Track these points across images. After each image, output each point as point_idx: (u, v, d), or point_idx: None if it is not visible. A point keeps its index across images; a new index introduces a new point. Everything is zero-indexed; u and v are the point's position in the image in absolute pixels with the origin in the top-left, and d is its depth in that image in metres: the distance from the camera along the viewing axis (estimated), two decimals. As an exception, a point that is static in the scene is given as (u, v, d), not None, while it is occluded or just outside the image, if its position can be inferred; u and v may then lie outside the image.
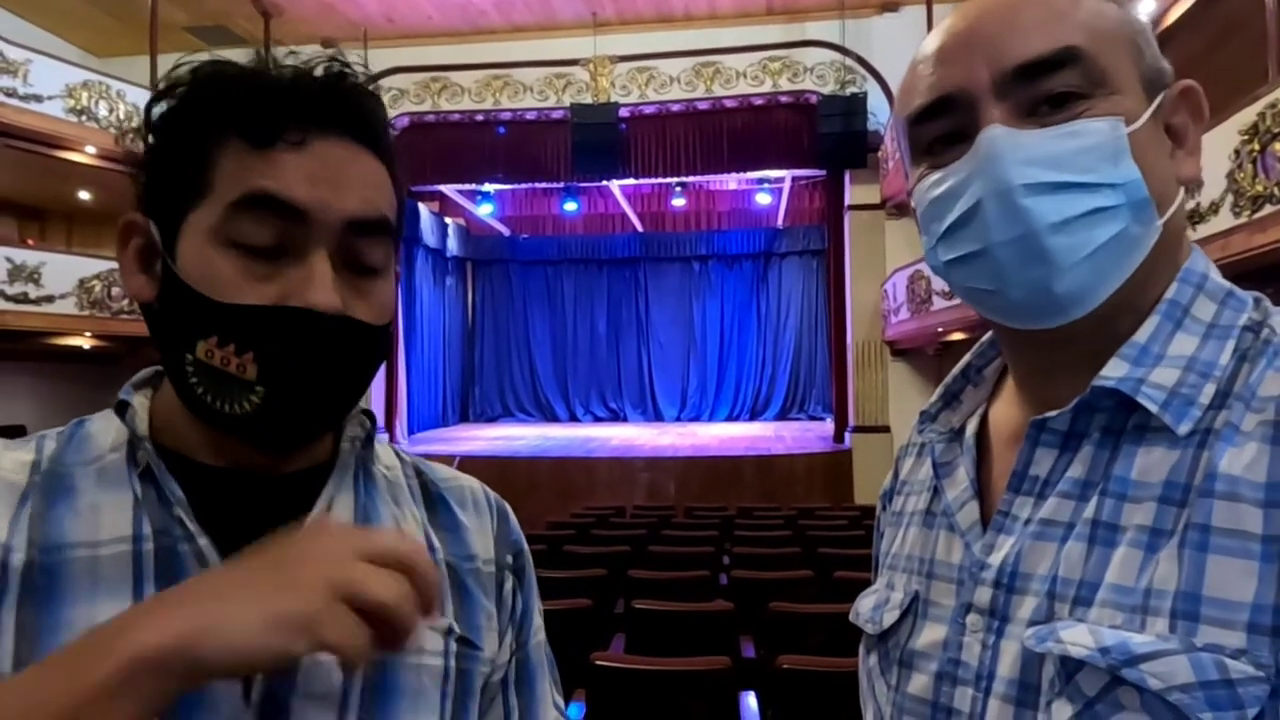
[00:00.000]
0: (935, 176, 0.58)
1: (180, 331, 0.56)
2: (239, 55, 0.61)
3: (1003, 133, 0.53)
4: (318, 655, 0.54)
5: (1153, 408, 0.51)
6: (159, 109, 0.59)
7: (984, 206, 0.54)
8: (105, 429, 0.61)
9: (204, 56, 0.60)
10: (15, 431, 9.86)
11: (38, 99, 8.76)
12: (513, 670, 0.70)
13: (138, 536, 0.56)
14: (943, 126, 0.57)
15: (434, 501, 0.70)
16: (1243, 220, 4.54)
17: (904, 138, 0.62)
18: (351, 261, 0.59)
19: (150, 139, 0.59)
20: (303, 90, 0.58)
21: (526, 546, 0.75)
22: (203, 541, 0.56)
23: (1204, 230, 4.80)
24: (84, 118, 9.19)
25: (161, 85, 0.59)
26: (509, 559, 0.72)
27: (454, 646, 0.63)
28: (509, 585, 0.71)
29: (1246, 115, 4.52)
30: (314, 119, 0.57)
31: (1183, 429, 0.51)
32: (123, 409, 0.60)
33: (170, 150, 0.59)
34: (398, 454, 0.73)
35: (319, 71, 0.59)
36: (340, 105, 0.59)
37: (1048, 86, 0.54)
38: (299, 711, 0.55)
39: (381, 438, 0.71)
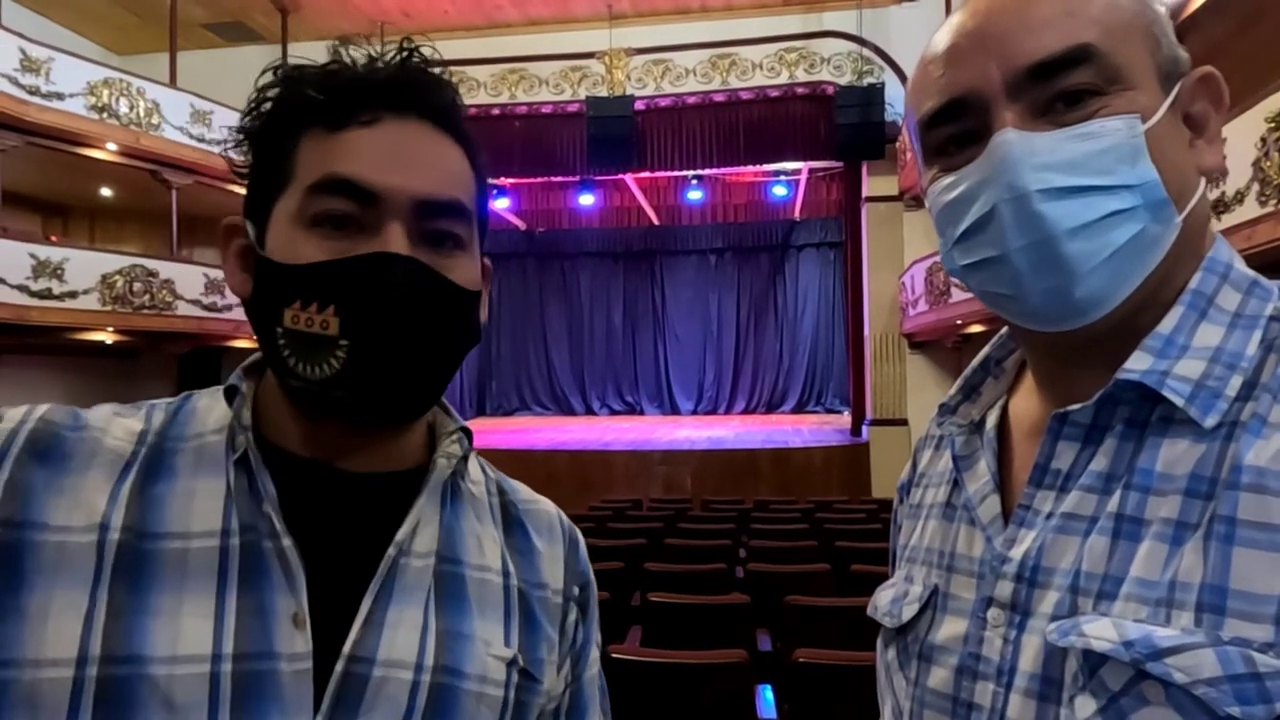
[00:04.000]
0: (949, 180, 0.57)
1: (271, 308, 0.58)
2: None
3: (1016, 137, 0.52)
4: (387, 674, 0.55)
5: (1178, 401, 0.50)
6: (252, 118, 0.62)
7: (999, 212, 0.53)
8: (210, 407, 0.62)
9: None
10: (40, 425, 9.98)
11: (59, 97, 8.87)
12: (565, 701, 0.70)
13: (226, 530, 0.57)
14: (955, 128, 0.56)
15: (512, 523, 0.70)
16: (1269, 209, 4.47)
17: (916, 138, 0.61)
18: (428, 236, 0.60)
19: (249, 147, 0.62)
20: (374, 74, 0.61)
21: (593, 579, 0.75)
22: (286, 542, 0.57)
23: (1229, 220, 4.73)
24: (105, 115, 9.29)
25: (252, 95, 0.62)
26: (575, 590, 0.72)
27: (515, 678, 0.63)
28: (573, 617, 0.71)
29: (1273, 103, 4.45)
30: (385, 101, 0.60)
31: (1209, 422, 0.50)
32: (232, 393, 0.61)
33: (261, 151, 0.61)
34: (483, 468, 0.73)
35: (390, 57, 0.62)
36: (409, 87, 0.61)
37: (1061, 85, 0.53)
38: None
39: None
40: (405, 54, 0.62)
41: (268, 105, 0.61)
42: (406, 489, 0.63)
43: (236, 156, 0.63)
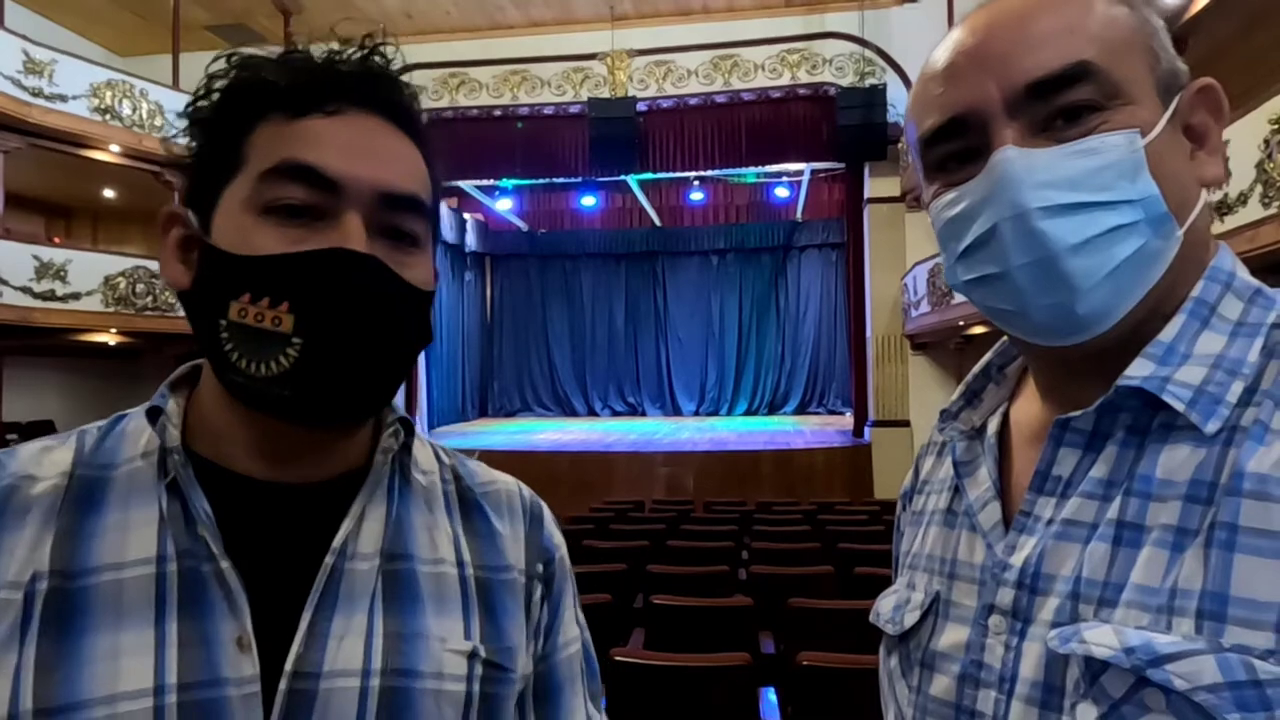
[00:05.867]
0: (950, 196, 0.57)
1: (214, 298, 0.55)
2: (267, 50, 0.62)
3: (1016, 154, 0.52)
4: (333, 685, 0.54)
5: (1179, 406, 0.50)
6: (202, 103, 0.60)
7: (1000, 230, 0.53)
8: (140, 429, 0.60)
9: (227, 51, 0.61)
10: (43, 427, 10.03)
11: (63, 99, 8.89)
12: (533, 684, 0.68)
13: (162, 557, 0.55)
14: (955, 145, 0.57)
15: (469, 508, 0.69)
16: (1273, 211, 4.46)
17: (917, 154, 0.61)
18: (387, 230, 0.58)
19: (193, 132, 0.60)
20: (337, 66, 0.59)
21: (562, 553, 0.72)
22: (224, 564, 0.55)
23: (1232, 221, 4.72)
24: (108, 117, 9.31)
25: (203, 80, 0.60)
26: (539, 567, 0.69)
27: (479, 670, 0.61)
28: (537, 594, 0.69)
29: (1277, 104, 4.44)
30: (348, 93, 0.59)
31: (1210, 428, 0.50)
32: (155, 415, 0.59)
33: (210, 136, 0.59)
34: (437, 454, 0.71)
35: (351, 53, 0.61)
36: (372, 82, 0.60)
37: (1060, 102, 0.53)
38: None
39: (420, 438, 0.69)
40: (368, 51, 0.61)
41: (218, 92, 0.59)
42: (349, 492, 0.61)
43: (178, 145, 0.60)
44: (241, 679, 0.53)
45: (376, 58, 0.61)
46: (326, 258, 0.54)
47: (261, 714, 0.53)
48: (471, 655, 0.61)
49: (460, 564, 0.65)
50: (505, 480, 0.73)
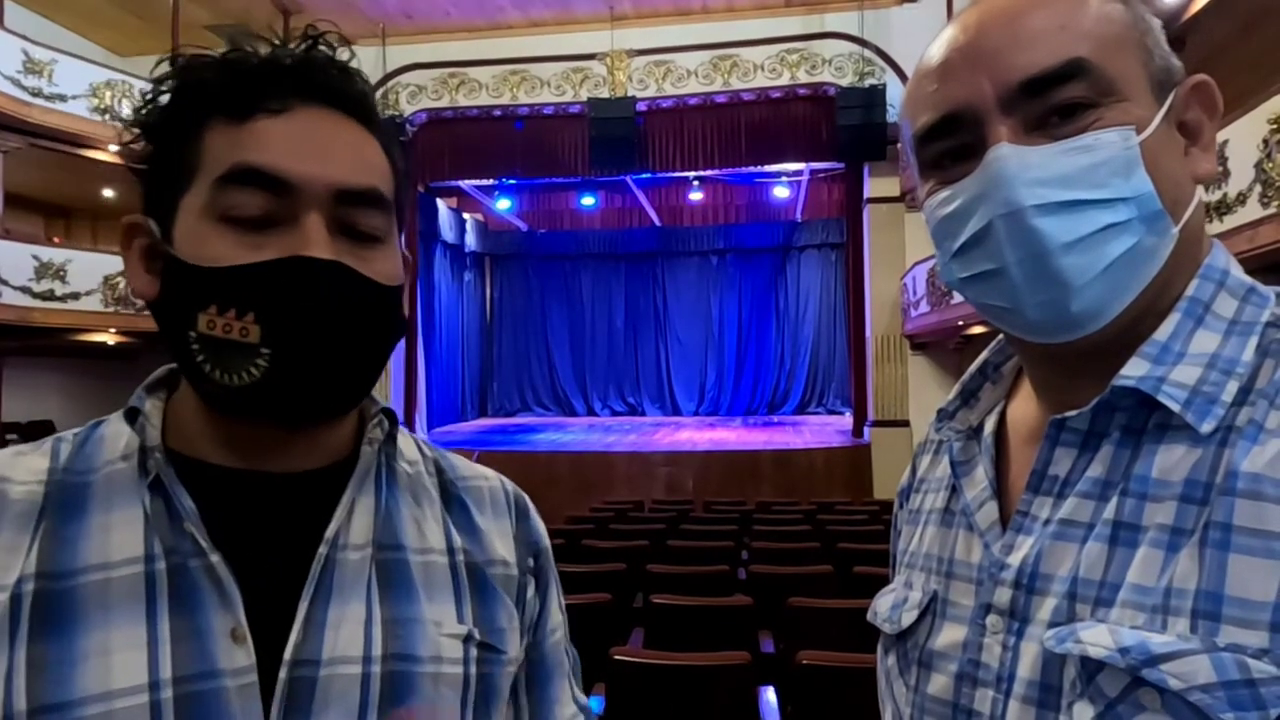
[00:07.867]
0: (944, 194, 0.57)
1: (182, 310, 0.55)
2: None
3: (1010, 152, 0.52)
4: (334, 672, 0.55)
5: (1175, 407, 0.51)
6: (148, 110, 0.59)
7: (994, 227, 0.53)
8: (118, 433, 0.60)
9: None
10: (43, 427, 10.03)
11: (63, 99, 8.89)
12: (524, 670, 0.69)
13: (149, 556, 0.55)
14: (949, 143, 0.57)
15: (453, 502, 0.69)
16: (1272, 210, 4.46)
17: (911, 151, 0.61)
18: (347, 229, 0.58)
19: (145, 139, 0.59)
20: (279, 62, 0.58)
21: (547, 544, 0.74)
22: (214, 558, 0.55)
23: (1231, 221, 4.72)
24: (108, 116, 9.30)
25: (149, 86, 0.59)
26: (530, 561, 0.70)
27: (474, 653, 0.62)
28: (530, 589, 0.70)
29: (1275, 104, 4.44)
30: (293, 88, 0.58)
31: (1206, 428, 0.50)
32: (133, 415, 0.59)
33: (161, 144, 0.59)
34: (420, 447, 0.72)
35: (294, 45, 0.60)
36: (317, 75, 0.59)
37: (1054, 99, 0.53)
38: None
39: (402, 430, 0.70)
40: (310, 42, 0.60)
41: (165, 97, 0.58)
42: (336, 482, 0.61)
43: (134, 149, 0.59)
44: (237, 670, 0.54)
45: (321, 49, 0.60)
46: (288, 267, 0.54)
47: (260, 704, 0.54)
48: (466, 639, 0.62)
49: (450, 551, 0.66)
50: (488, 475, 0.74)
